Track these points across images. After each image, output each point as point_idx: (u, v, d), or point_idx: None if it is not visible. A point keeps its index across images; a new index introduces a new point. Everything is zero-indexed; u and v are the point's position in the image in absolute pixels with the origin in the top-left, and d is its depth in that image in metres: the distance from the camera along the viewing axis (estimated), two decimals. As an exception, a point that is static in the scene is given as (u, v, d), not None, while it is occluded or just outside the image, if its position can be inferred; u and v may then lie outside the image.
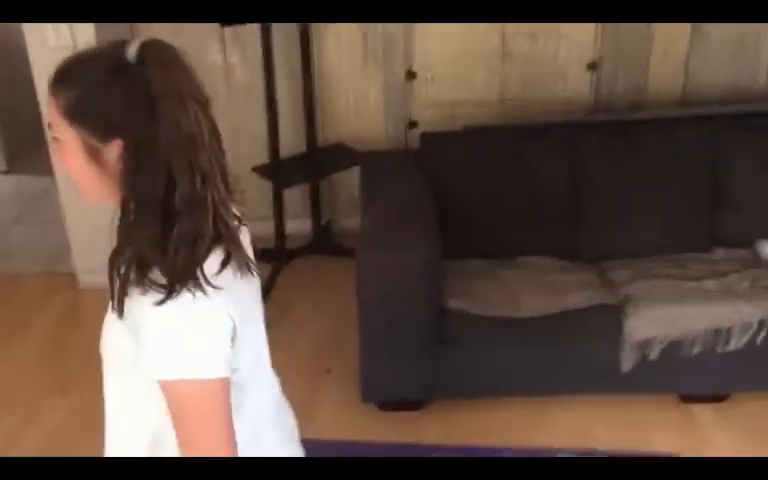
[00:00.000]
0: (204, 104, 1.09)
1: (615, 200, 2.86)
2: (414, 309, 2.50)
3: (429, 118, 3.45)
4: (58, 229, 3.49)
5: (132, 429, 1.22)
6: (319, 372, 2.97)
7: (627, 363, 2.53)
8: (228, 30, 3.35)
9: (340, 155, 3.31)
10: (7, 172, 4.58)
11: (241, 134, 3.61)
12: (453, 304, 2.54)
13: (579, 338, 2.54)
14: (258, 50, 3.20)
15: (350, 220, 3.78)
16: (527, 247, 2.83)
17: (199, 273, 1.07)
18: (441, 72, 3.42)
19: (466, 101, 3.43)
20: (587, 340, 2.55)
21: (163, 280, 1.06)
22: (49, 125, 1.12)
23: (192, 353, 1.08)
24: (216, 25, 3.32)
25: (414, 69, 3.43)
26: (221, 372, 1.10)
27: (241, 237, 1.20)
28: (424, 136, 2.98)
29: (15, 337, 3.25)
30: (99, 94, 1.06)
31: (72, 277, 3.52)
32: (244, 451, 1.15)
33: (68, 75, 1.09)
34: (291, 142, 3.42)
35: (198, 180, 1.07)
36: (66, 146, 1.10)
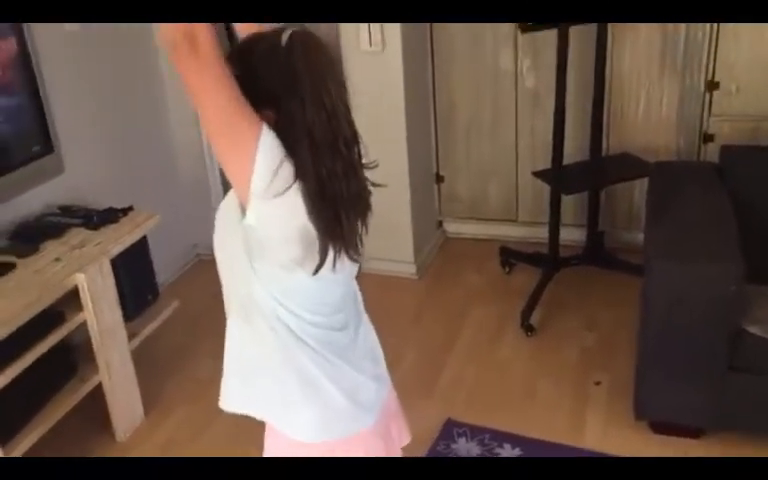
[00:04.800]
0: (343, 83, 1.25)
1: None
2: (707, 329, 2.33)
3: (728, 131, 3.21)
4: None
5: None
6: (587, 383, 2.90)
7: None
8: (523, 37, 3.41)
9: (627, 164, 3.19)
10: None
11: (523, 137, 3.65)
12: (752, 329, 2.33)
13: None
14: (547, 57, 3.23)
15: (626, 233, 3.65)
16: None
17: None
18: (748, 83, 3.16)
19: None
20: None
21: None
22: None
23: None
24: (511, 32, 3.42)
25: (717, 79, 3.21)
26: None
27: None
28: (726, 149, 2.77)
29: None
30: (257, 69, 1.24)
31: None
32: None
33: (237, 54, 1.27)
34: (572, 150, 3.37)
35: (341, 144, 1.24)
36: None
